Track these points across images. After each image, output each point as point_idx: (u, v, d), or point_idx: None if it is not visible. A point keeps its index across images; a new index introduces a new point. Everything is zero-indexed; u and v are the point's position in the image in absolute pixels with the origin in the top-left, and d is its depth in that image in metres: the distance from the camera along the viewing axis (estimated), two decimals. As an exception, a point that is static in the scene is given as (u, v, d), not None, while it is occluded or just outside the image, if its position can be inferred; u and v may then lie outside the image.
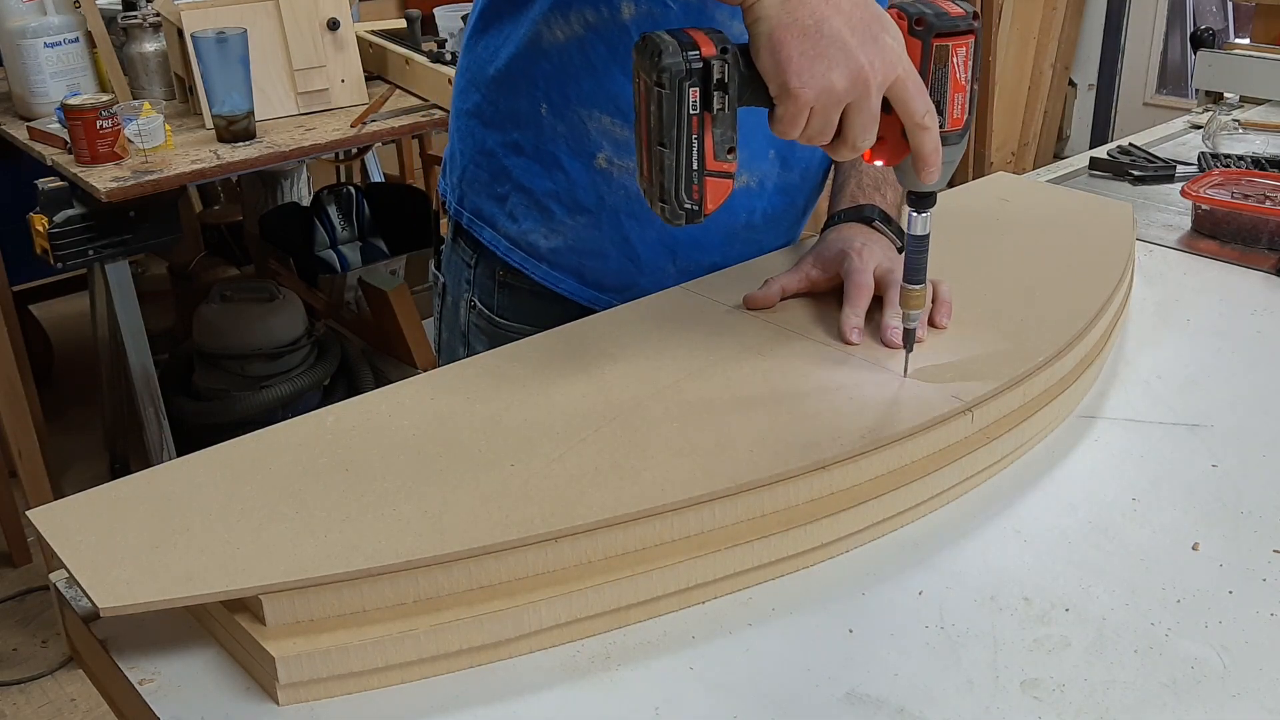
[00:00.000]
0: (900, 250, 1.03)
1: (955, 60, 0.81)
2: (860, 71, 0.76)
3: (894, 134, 0.81)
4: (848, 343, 0.94)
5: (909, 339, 0.89)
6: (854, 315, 0.96)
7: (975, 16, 0.81)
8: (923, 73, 0.80)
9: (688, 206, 0.80)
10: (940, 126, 0.81)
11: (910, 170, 0.83)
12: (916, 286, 0.87)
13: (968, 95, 0.82)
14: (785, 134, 0.79)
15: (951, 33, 0.80)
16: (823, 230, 1.08)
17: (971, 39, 0.81)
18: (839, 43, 0.76)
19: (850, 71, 0.76)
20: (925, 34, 0.80)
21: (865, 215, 1.06)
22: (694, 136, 0.78)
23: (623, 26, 1.02)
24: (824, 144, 0.80)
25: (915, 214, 0.85)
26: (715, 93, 0.77)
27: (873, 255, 1.00)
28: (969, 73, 0.81)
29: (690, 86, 0.77)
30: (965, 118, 0.83)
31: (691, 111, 0.78)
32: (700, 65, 0.77)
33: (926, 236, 0.85)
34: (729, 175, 0.80)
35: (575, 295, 1.14)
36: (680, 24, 1.01)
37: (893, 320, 0.94)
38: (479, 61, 1.13)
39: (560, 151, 1.09)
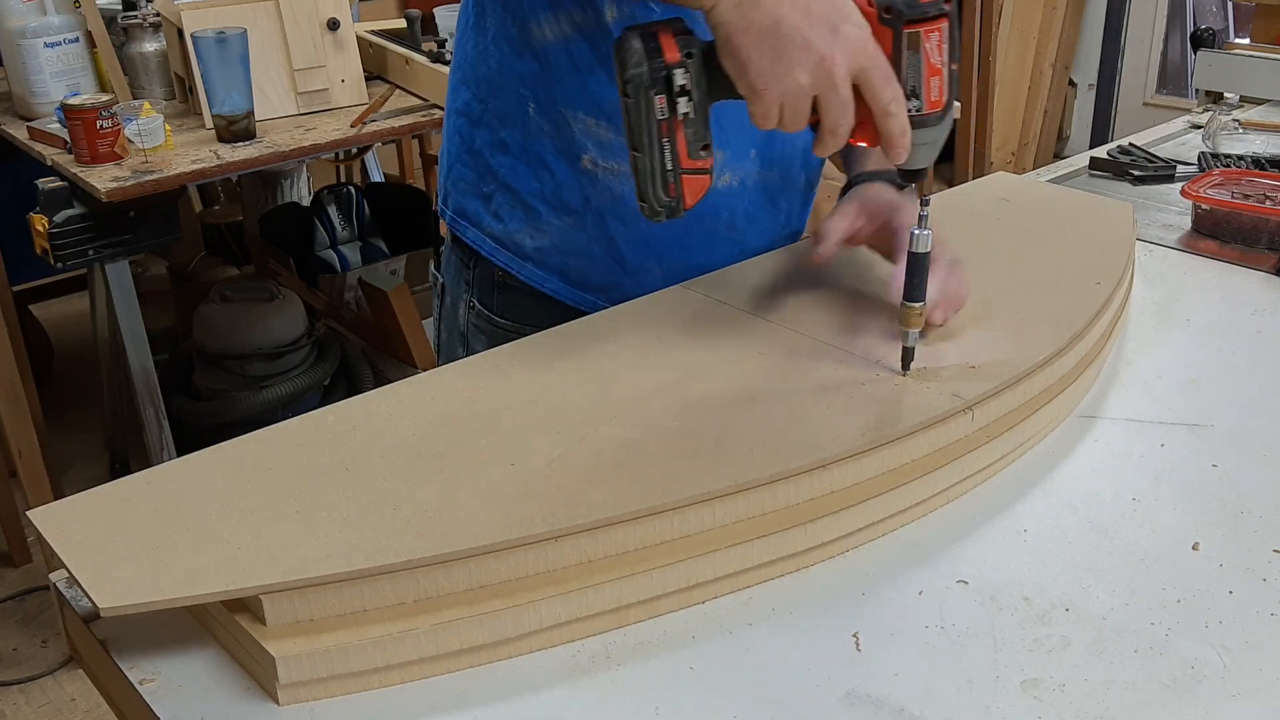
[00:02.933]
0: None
1: (928, 45, 0.81)
2: (821, 63, 0.78)
3: (871, 116, 0.82)
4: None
5: (907, 357, 0.89)
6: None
7: (947, 0, 0.81)
8: (895, 59, 0.81)
9: (666, 203, 0.83)
10: (918, 110, 0.82)
11: None
12: (916, 304, 0.87)
13: (945, 78, 0.82)
14: (762, 126, 0.81)
15: (921, 19, 0.80)
16: (849, 186, 1.08)
17: (944, 22, 0.81)
18: (797, 40, 0.78)
19: (811, 66, 0.78)
20: (895, 22, 0.81)
21: (895, 181, 1.06)
22: (664, 140, 0.81)
23: (606, 29, 1.02)
24: (800, 130, 0.82)
25: (917, 231, 0.85)
26: (679, 99, 0.79)
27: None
28: (944, 56, 0.82)
29: (655, 94, 0.80)
30: (945, 100, 0.83)
31: (660, 117, 0.80)
32: (664, 74, 0.79)
33: (928, 254, 0.86)
34: (706, 171, 0.83)
35: (560, 295, 1.14)
36: None
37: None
38: (469, 60, 1.13)
39: (546, 151, 1.09)
